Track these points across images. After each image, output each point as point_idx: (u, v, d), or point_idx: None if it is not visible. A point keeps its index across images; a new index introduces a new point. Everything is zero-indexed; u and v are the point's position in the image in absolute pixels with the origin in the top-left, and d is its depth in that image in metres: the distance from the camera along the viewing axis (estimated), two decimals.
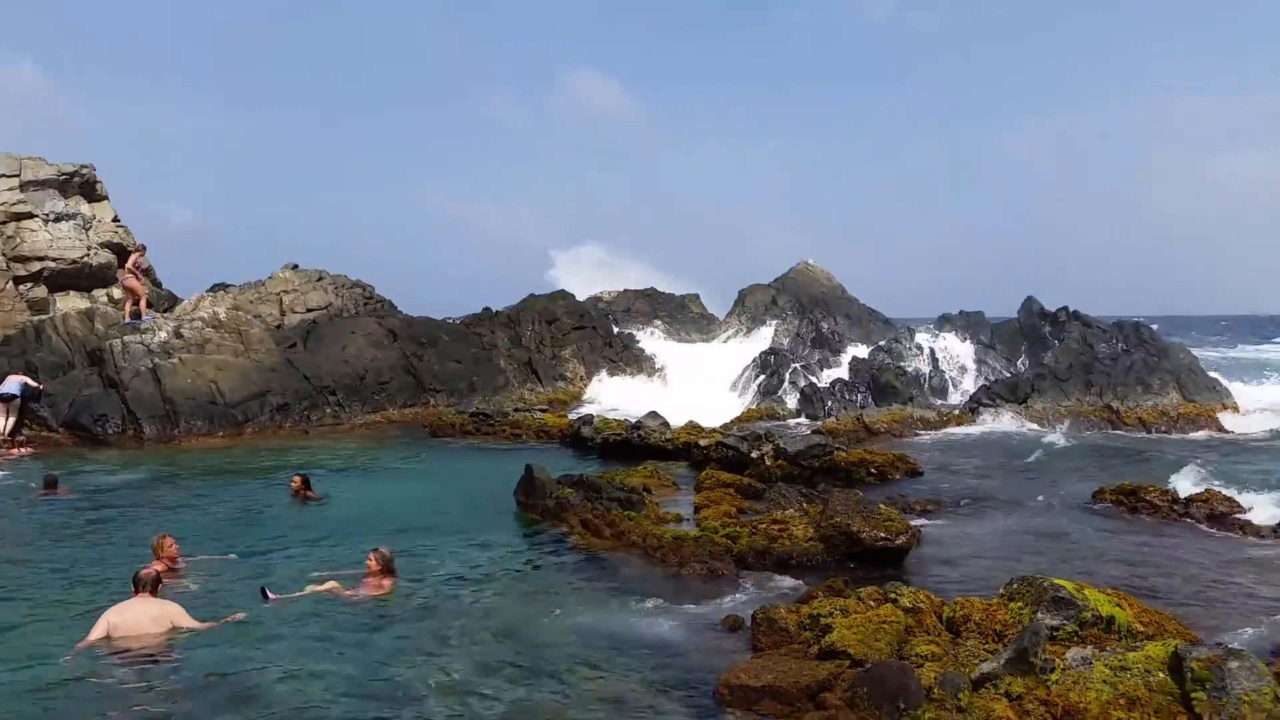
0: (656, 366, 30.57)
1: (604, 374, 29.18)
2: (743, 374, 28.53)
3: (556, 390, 27.85)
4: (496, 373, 27.63)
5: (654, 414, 20.27)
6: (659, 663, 7.44)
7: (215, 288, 28.27)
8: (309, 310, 27.43)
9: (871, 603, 7.31)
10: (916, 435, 21.76)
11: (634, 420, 19.96)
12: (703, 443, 17.65)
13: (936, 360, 27.02)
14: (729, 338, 34.56)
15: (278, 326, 26.28)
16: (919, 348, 27.40)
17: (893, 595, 7.32)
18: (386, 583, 9.60)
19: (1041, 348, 27.11)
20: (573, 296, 32.19)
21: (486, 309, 31.26)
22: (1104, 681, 5.74)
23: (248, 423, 22.45)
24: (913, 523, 11.22)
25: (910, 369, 26.36)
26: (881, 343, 28.92)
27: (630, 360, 30.25)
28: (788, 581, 9.82)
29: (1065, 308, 28.04)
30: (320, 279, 28.80)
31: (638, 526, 11.54)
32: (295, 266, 28.91)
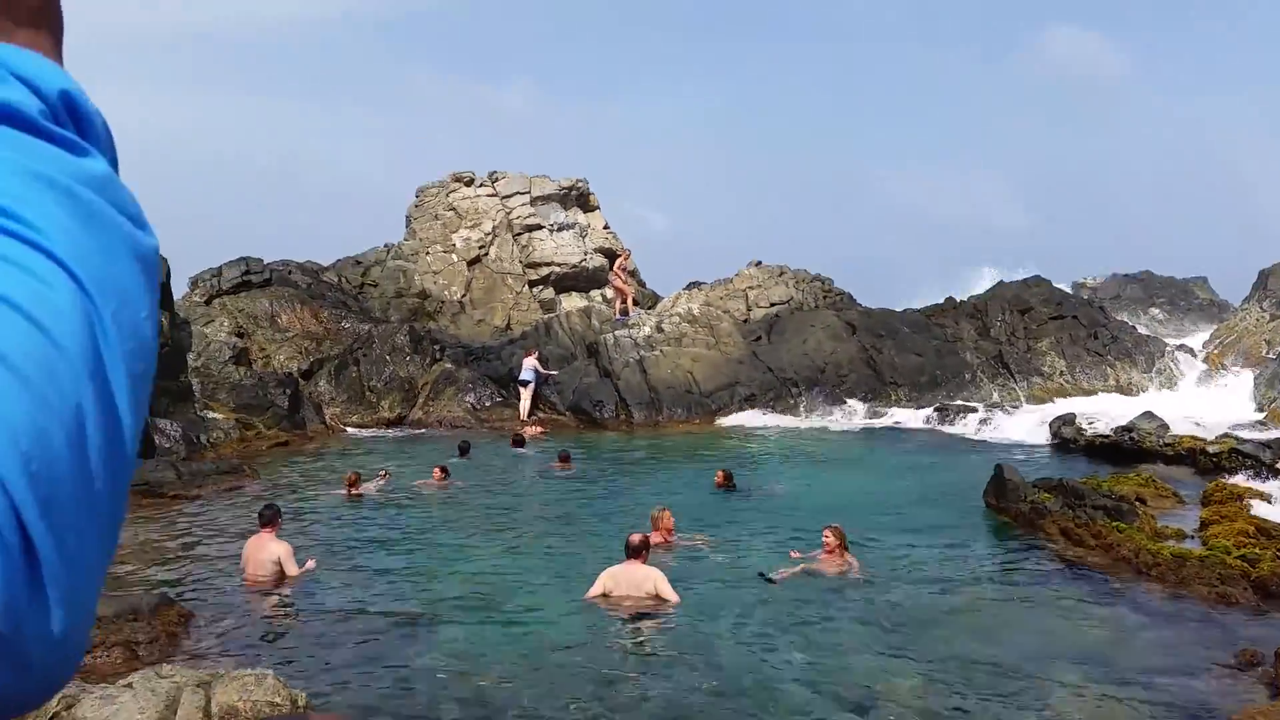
0: (1156, 360, 27.02)
1: (1090, 369, 26.46)
2: (1266, 369, 24.10)
3: (1032, 386, 25.86)
4: (962, 366, 26.42)
5: (1149, 414, 17.95)
6: (1153, 694, 6.57)
7: (690, 286, 30.64)
8: (772, 305, 28.57)
9: None
10: None
11: (1124, 421, 17.84)
12: (1212, 449, 15.28)
13: None
14: (1247, 324, 29.40)
15: (744, 321, 27.73)
16: None
17: None
18: (848, 558, 9.73)
19: None
20: (1049, 283, 29.66)
21: (949, 299, 30.06)
22: None
23: (719, 411, 23.97)
24: None
25: None
26: None
27: (1121, 353, 27.11)
28: None
29: None
30: (781, 274, 29.85)
31: (1129, 540, 10.28)
32: (759, 263, 30.28)
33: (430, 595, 8.99)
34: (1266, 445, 14.90)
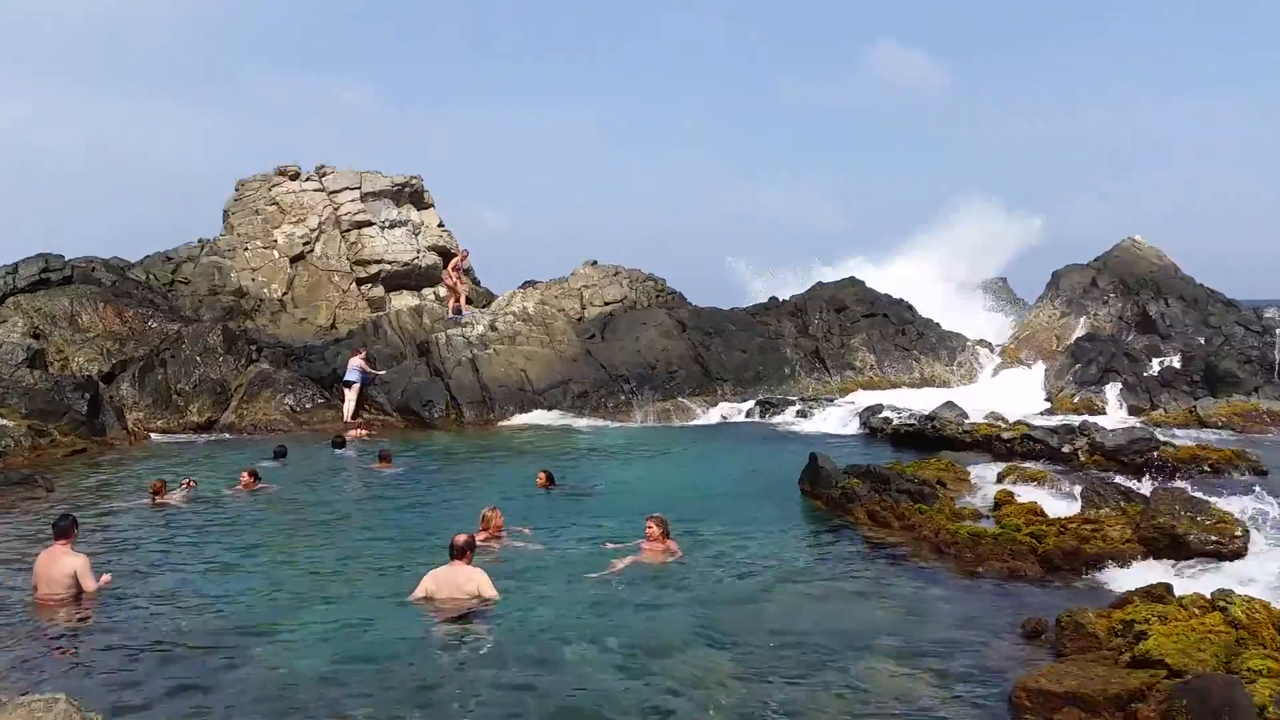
0: (959, 354, 29.01)
1: (897, 363, 28.16)
2: (1057, 362, 26.37)
3: (845, 380, 27.27)
4: (783, 362, 27.55)
5: (950, 404, 19.25)
6: (950, 662, 7.08)
7: (525, 284, 30.53)
8: (606, 304, 28.87)
9: (1196, 610, 6.46)
10: (1265, 430, 19.02)
11: (928, 411, 19.07)
12: (1006, 435, 16.51)
13: None
14: (1039, 323, 32.01)
15: (579, 319, 27.89)
16: (1269, 331, 23.89)
17: (1222, 603, 6.41)
18: (670, 544, 10.12)
19: None
20: (862, 283, 31.32)
21: (773, 299, 31.24)
22: None
23: (553, 409, 24.01)
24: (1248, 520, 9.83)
25: (1256, 355, 23.07)
26: (1222, 326, 25.53)
27: (927, 348, 28.97)
28: (1098, 585, 8.95)
29: None
30: (616, 273, 30.21)
31: (930, 521, 11.02)
32: (594, 263, 30.52)
33: (241, 605, 8.59)
34: (1054, 431, 16.27)
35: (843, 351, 28.19)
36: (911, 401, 21.58)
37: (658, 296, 30.22)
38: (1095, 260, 33.44)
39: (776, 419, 22.52)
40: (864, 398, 23.85)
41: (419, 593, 8.49)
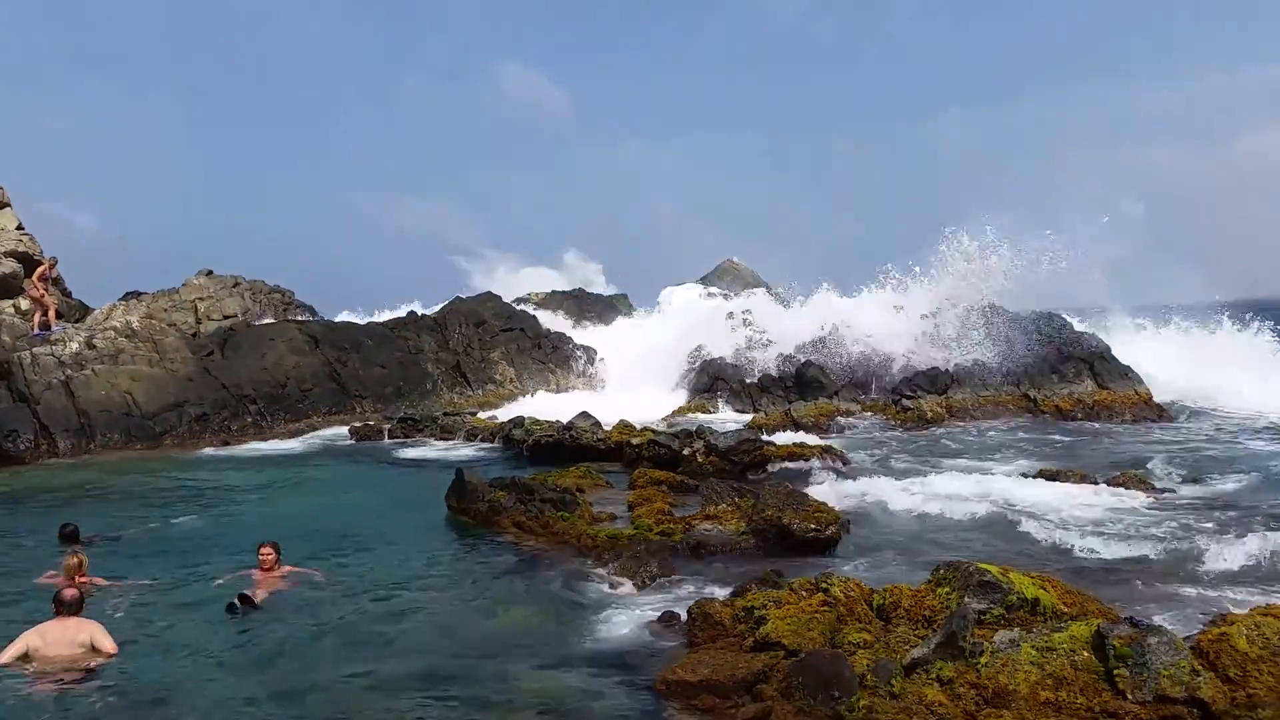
0: (589, 366, 30.50)
1: (535, 375, 29.02)
2: (674, 372, 28.65)
3: (486, 393, 27.61)
4: (424, 377, 27.27)
5: (585, 414, 20.18)
6: (597, 661, 7.44)
7: (128, 296, 27.37)
8: (225, 317, 26.74)
9: (804, 593, 7.40)
10: (843, 428, 22.11)
11: (565, 421, 19.86)
12: (635, 441, 17.64)
13: (861, 353, 27.43)
14: (659, 335, 34.59)
15: (194, 335, 25.52)
16: (844, 341, 27.81)
17: (824, 585, 7.42)
18: (286, 569, 9.79)
19: (963, 338, 27.69)
20: (499, 298, 31.95)
21: (411, 313, 30.84)
22: (1031, 663, 5.90)
23: (165, 434, 21.76)
24: (839, 509, 11.42)
25: (836, 363, 26.77)
26: (808, 338, 29.25)
27: (560, 361, 30.15)
28: (722, 576, 9.89)
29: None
30: (236, 285, 28.09)
31: (572, 527, 11.52)
32: (210, 272, 28.16)
33: None
34: (675, 436, 17.66)
35: (483, 365, 28.50)
36: (551, 411, 22.31)
37: (285, 310, 28.54)
38: (701, 278, 37.15)
39: (419, 436, 22.20)
40: (506, 410, 24.29)
41: (16, 649, 7.36)
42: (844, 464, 16.36)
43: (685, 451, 16.62)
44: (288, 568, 9.94)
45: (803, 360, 26.66)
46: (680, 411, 25.49)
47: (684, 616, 8.00)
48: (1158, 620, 6.73)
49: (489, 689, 6.86)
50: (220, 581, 9.74)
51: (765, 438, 17.48)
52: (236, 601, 8.77)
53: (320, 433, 23.15)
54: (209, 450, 20.93)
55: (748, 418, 23.79)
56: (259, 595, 9.07)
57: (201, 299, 27.02)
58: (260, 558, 9.84)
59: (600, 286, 40.67)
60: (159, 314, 25.58)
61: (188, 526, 13.02)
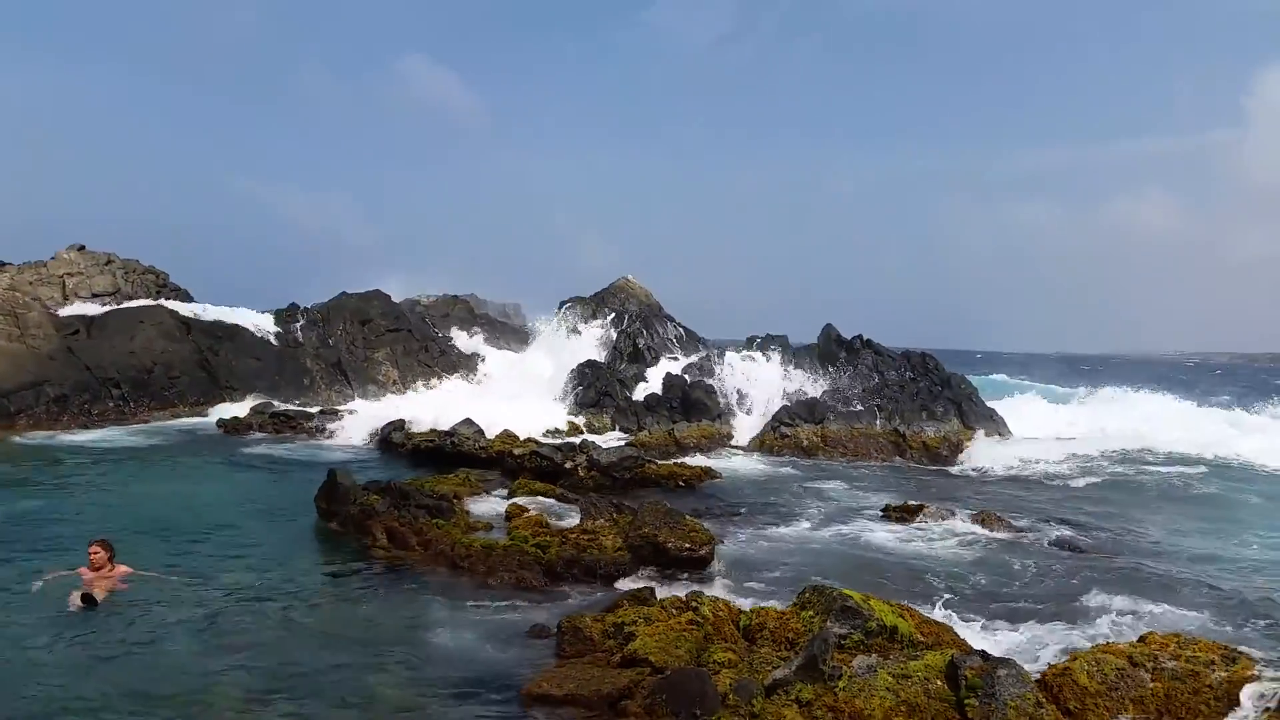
0: (476, 373, 30.13)
1: (419, 379, 28.49)
2: (562, 385, 28.56)
3: (367, 393, 26.94)
4: (302, 372, 26.44)
5: (469, 421, 19.95)
6: (463, 673, 7.35)
7: None
8: (94, 295, 25.41)
9: (674, 611, 7.49)
10: (723, 452, 22.48)
11: (447, 427, 19.58)
12: (517, 451, 17.53)
13: (744, 380, 28.01)
14: (549, 348, 34.48)
15: (59, 312, 24.11)
16: (730, 367, 28.33)
17: (694, 604, 7.52)
18: (120, 569, 9.22)
19: (839, 373, 28.62)
20: (388, 297, 31.26)
21: (293, 305, 29.86)
22: (887, 689, 6.12)
23: (20, 414, 20.46)
24: (715, 531, 11.59)
25: (720, 387, 27.22)
26: (694, 360, 29.68)
27: (448, 366, 29.69)
28: (596, 591, 9.90)
29: (859, 335, 29.61)
30: (109, 263, 26.72)
31: (446, 535, 11.33)
32: (82, 248, 26.71)
33: None
34: (558, 449, 17.64)
35: (366, 365, 27.82)
36: (434, 416, 21.91)
37: (159, 292, 27.27)
38: (595, 294, 37.14)
39: (292, 432, 21.50)
40: (386, 411, 23.73)
41: None
42: (721, 487, 16.64)
43: (567, 465, 16.61)
44: (122, 568, 9.25)
45: (689, 381, 27.00)
46: (567, 425, 25.44)
47: (554, 630, 7.98)
48: (1007, 654, 7.08)
49: (348, 696, 6.69)
50: (40, 583, 8.98)
51: (647, 456, 17.62)
52: (80, 600, 8.28)
53: (185, 422, 22.16)
54: (64, 435, 19.77)
55: (632, 435, 23.95)
56: (100, 596, 8.55)
57: (71, 274, 25.60)
58: (90, 556, 9.11)
59: (494, 293, 40.30)
60: (23, 286, 24.09)
61: (20, 515, 12.23)
